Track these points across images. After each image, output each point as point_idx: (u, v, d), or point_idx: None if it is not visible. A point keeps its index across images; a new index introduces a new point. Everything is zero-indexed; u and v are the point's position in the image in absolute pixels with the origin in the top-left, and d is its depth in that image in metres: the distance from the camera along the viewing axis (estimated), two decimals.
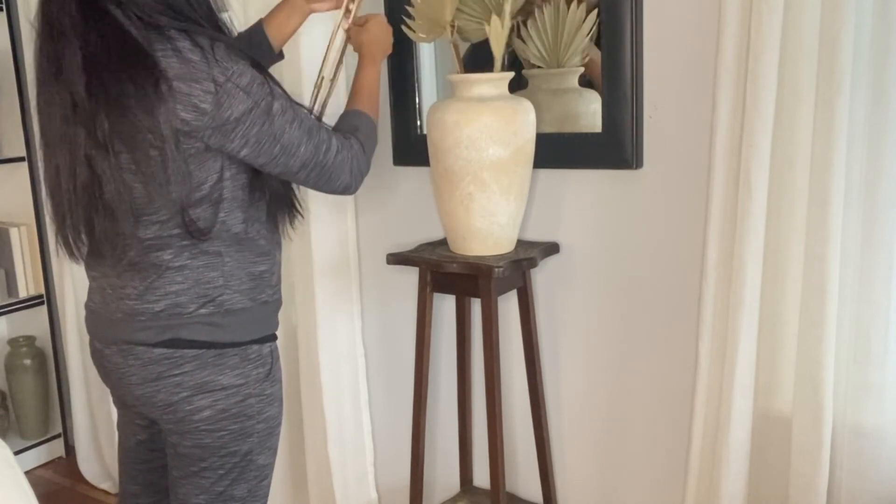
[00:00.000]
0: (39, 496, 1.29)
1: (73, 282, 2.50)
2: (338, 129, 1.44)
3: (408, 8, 1.71)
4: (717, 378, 1.50)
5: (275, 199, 1.39)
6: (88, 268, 1.39)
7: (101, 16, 1.19)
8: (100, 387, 2.52)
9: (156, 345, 1.32)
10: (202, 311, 1.32)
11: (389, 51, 1.66)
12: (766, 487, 1.53)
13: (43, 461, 2.83)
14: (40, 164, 1.34)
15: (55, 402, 2.86)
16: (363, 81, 1.56)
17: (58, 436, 2.87)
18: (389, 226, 2.00)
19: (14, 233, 2.67)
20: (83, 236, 1.30)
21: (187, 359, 1.33)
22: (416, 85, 1.85)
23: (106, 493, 2.63)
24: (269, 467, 1.45)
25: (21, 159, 2.65)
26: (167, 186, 1.23)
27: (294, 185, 1.43)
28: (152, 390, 1.34)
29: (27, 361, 2.77)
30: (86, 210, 1.26)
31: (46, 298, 2.76)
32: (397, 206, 1.98)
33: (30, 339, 2.78)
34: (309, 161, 1.33)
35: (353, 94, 1.55)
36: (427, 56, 1.86)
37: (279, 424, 1.45)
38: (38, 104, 1.29)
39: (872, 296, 1.38)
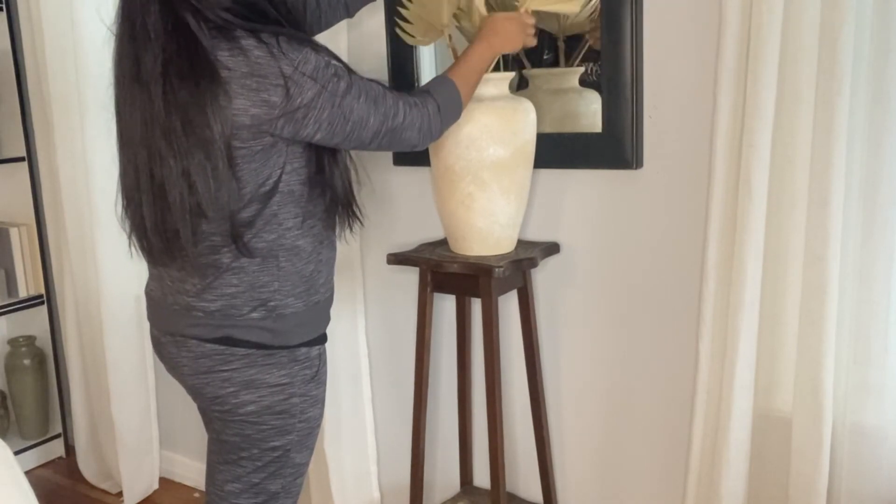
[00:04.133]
0: (39, 496, 1.30)
1: (73, 282, 2.51)
2: (420, 89, 1.44)
3: (400, 9, 1.69)
4: (717, 378, 1.50)
5: (335, 200, 1.41)
6: (152, 261, 1.40)
7: (178, 23, 1.22)
8: (99, 386, 2.52)
9: (209, 340, 1.37)
10: (254, 314, 1.36)
11: (507, 46, 1.54)
12: (766, 487, 1.53)
13: (43, 461, 2.83)
14: (117, 163, 1.36)
15: (55, 402, 2.86)
16: (466, 55, 1.50)
17: (58, 436, 2.87)
18: (390, 226, 2.00)
19: (14, 233, 2.67)
20: (156, 235, 1.32)
21: (238, 356, 1.37)
22: (417, 84, 1.85)
23: (106, 492, 2.62)
24: (305, 466, 1.50)
25: (21, 159, 2.65)
26: (217, 193, 1.26)
27: (355, 191, 1.46)
28: (202, 382, 1.40)
29: (27, 361, 2.77)
30: (161, 210, 1.29)
31: (46, 298, 2.76)
32: (397, 206, 1.98)
33: (30, 339, 2.78)
34: (379, 130, 1.35)
35: (453, 64, 1.50)
36: (427, 56, 1.86)
37: (319, 425, 1.49)
38: (118, 104, 1.32)
39: (872, 296, 1.38)
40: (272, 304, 1.37)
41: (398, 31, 1.70)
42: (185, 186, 1.25)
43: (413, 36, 1.69)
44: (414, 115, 1.38)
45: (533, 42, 1.58)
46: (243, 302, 1.35)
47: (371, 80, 1.35)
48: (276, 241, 1.35)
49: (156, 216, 1.30)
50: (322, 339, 1.47)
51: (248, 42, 1.22)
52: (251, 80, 1.22)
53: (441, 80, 1.47)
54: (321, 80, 1.26)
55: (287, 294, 1.38)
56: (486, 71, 1.53)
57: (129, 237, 1.38)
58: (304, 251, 1.38)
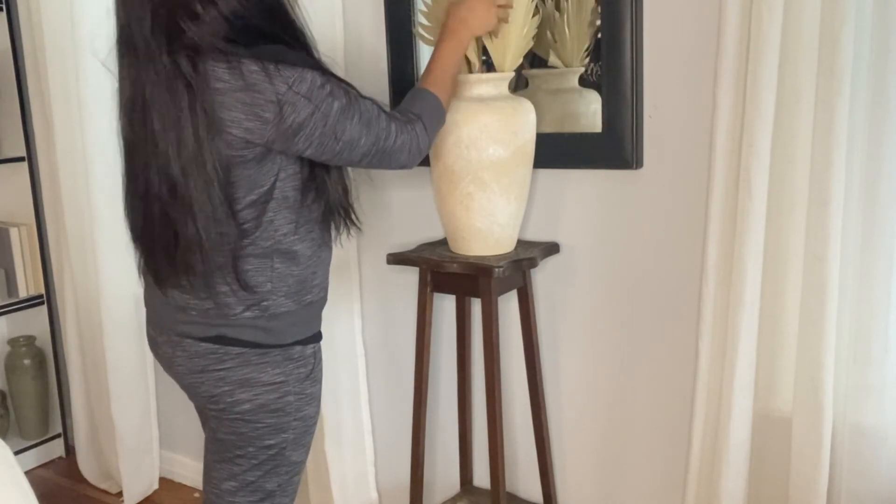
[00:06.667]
0: (39, 496, 1.30)
1: (73, 282, 2.51)
2: (403, 109, 1.45)
3: (421, 11, 1.71)
4: (717, 378, 1.50)
5: (331, 205, 1.42)
6: (159, 283, 1.42)
7: (174, 65, 1.24)
8: (99, 387, 2.52)
9: (203, 339, 1.38)
10: (247, 313, 1.37)
11: (478, 31, 1.53)
12: (766, 487, 1.53)
13: (43, 461, 2.83)
14: (122, 180, 1.39)
15: (55, 402, 2.86)
16: (436, 57, 1.52)
17: (58, 436, 2.87)
18: (388, 226, 2.00)
19: (14, 233, 2.67)
20: (160, 250, 1.35)
21: (232, 355, 1.38)
22: (416, 84, 1.85)
23: (106, 492, 2.62)
24: (302, 464, 1.50)
25: (21, 159, 2.65)
26: (216, 216, 1.28)
27: (352, 196, 1.47)
28: (197, 381, 1.41)
29: (27, 361, 2.77)
30: (162, 227, 1.31)
31: (46, 298, 2.76)
32: (397, 206, 1.98)
33: (30, 339, 2.78)
34: (369, 151, 1.36)
35: (426, 69, 1.53)
36: (427, 55, 1.85)
37: (315, 423, 1.50)
38: (124, 126, 1.34)
39: (872, 296, 1.38)
40: (265, 303, 1.37)
41: (416, 31, 1.70)
42: (194, 214, 1.27)
43: (432, 38, 1.69)
44: (404, 137, 1.39)
45: (506, 19, 1.54)
46: (236, 301, 1.36)
47: (367, 100, 1.37)
48: (271, 247, 1.36)
49: (157, 232, 1.33)
50: (316, 337, 1.48)
51: (246, 60, 1.24)
52: (246, 95, 1.24)
53: (419, 94, 1.47)
54: (315, 99, 1.28)
55: (281, 294, 1.38)
56: (461, 63, 1.53)
57: (136, 255, 1.41)
58: (301, 255, 1.39)
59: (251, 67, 1.23)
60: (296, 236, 1.38)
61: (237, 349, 1.37)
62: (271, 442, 1.42)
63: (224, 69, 1.23)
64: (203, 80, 1.23)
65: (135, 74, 1.28)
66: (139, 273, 1.44)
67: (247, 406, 1.39)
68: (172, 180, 1.27)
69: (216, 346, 1.37)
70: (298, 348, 1.42)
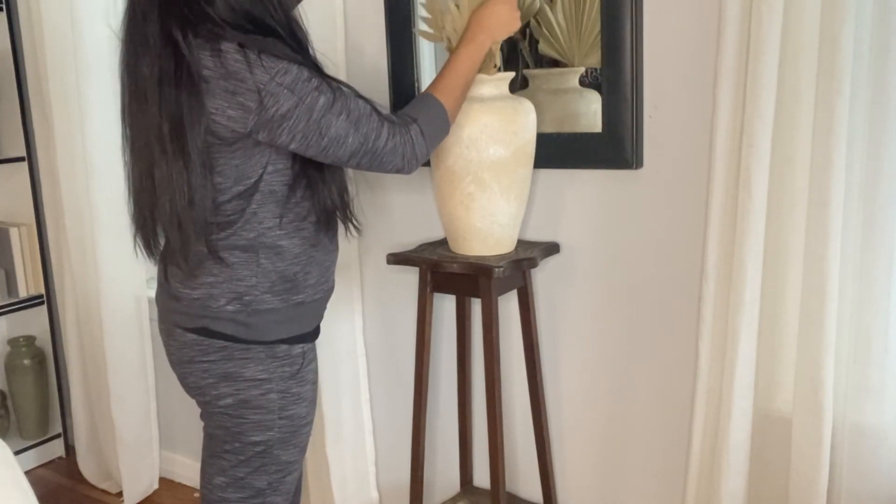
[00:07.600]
0: (39, 496, 1.30)
1: (73, 282, 2.51)
2: (402, 113, 1.42)
3: (421, 4, 1.70)
4: (717, 378, 1.50)
5: (324, 205, 1.42)
6: (158, 260, 1.46)
7: (170, 39, 1.26)
8: (99, 386, 2.52)
9: (190, 330, 1.40)
10: (229, 307, 1.38)
11: (499, 35, 1.51)
12: (766, 487, 1.53)
13: (43, 461, 2.83)
14: (125, 167, 1.41)
15: (55, 402, 2.86)
16: (450, 61, 1.47)
17: (58, 436, 2.87)
18: (390, 226, 2.00)
19: (14, 233, 2.67)
20: (159, 236, 1.39)
21: (215, 348, 1.39)
22: (416, 84, 1.85)
23: (106, 492, 2.63)
24: (295, 464, 1.49)
25: (21, 159, 2.65)
26: (191, 198, 1.30)
27: (349, 198, 1.47)
28: (185, 371, 1.43)
29: (27, 361, 2.77)
30: (161, 211, 1.33)
31: (46, 298, 2.76)
32: (397, 206, 1.98)
33: (30, 339, 2.78)
34: (357, 150, 1.34)
35: (440, 73, 1.48)
36: (427, 55, 1.86)
37: (307, 424, 1.49)
38: (130, 111, 1.36)
39: (872, 296, 1.38)
40: (247, 298, 1.38)
41: (416, 31, 1.70)
42: (173, 191, 1.29)
43: (432, 31, 1.67)
44: (397, 140, 1.36)
45: (519, 23, 1.53)
46: (220, 293, 1.37)
47: (362, 99, 1.35)
48: (256, 239, 1.37)
49: (156, 216, 1.35)
50: (306, 337, 1.47)
51: (229, 46, 1.25)
52: (229, 83, 1.25)
53: (424, 99, 1.44)
54: (299, 92, 1.27)
55: (265, 290, 1.39)
56: (477, 69, 1.50)
57: (135, 239, 1.42)
58: (288, 251, 1.39)
59: (234, 56, 1.24)
60: (281, 231, 1.38)
61: (220, 342, 1.39)
62: (257, 439, 1.42)
63: (208, 57, 1.25)
64: (191, 52, 1.25)
65: (135, 56, 1.31)
66: (133, 244, 1.44)
67: (230, 400, 1.40)
68: (153, 155, 1.29)
69: (201, 338, 1.39)
70: (284, 347, 1.42)
